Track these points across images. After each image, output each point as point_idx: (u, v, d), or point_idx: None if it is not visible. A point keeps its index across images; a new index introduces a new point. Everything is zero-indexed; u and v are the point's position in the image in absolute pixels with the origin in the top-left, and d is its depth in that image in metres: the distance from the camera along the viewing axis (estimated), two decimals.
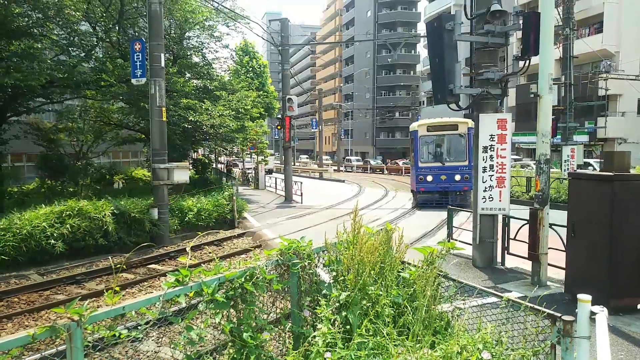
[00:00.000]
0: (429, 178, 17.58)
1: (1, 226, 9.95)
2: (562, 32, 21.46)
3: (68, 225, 10.72)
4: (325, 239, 3.76)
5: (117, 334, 2.58)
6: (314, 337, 2.93)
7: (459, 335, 3.01)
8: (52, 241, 10.29)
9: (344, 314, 3.11)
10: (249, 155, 37.80)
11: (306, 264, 3.65)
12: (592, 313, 2.73)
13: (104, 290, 8.15)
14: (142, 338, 2.75)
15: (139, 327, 2.82)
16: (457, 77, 7.71)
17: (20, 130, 16.72)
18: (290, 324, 3.62)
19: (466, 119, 16.46)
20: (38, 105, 16.99)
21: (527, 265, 7.98)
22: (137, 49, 12.87)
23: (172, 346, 2.98)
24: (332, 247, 3.72)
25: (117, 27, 17.96)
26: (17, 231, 9.98)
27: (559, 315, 2.77)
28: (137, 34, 18.93)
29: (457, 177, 17.37)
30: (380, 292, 3.19)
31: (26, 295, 8.56)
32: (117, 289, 2.71)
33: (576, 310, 2.71)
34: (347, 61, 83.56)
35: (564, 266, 6.96)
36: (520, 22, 7.75)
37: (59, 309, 2.50)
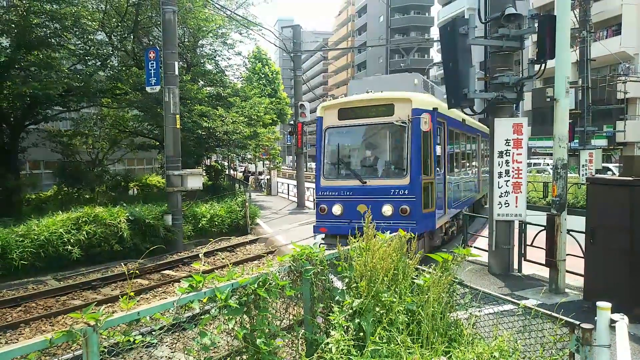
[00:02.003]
0: (337, 209, 9.13)
1: (20, 232, 10.11)
2: (579, 35, 21.18)
3: (84, 232, 10.86)
4: (338, 246, 3.75)
5: (132, 339, 2.60)
6: (327, 344, 2.91)
7: (475, 343, 2.96)
8: (69, 247, 10.42)
9: (357, 321, 3.08)
10: (257, 161, 37.94)
11: (318, 270, 3.63)
12: (612, 321, 2.67)
13: (119, 296, 8.23)
14: (156, 343, 2.76)
15: (154, 333, 2.83)
16: (472, 81, 7.64)
17: (38, 137, 17.02)
18: (303, 331, 3.60)
19: (410, 93, 9.24)
20: (56, 114, 17.29)
21: (544, 272, 7.85)
22: (152, 58, 13.05)
23: (185, 352, 2.98)
24: (344, 254, 3.70)
25: (132, 36, 18.24)
26: (35, 237, 10.14)
27: (578, 323, 2.72)
28: (151, 42, 19.19)
29: (388, 209, 8.61)
30: (394, 300, 3.16)
31: (43, 301, 8.68)
32: (132, 294, 2.73)
33: (595, 318, 2.66)
34: (360, 67, 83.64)
35: (582, 273, 6.85)
36: (536, 25, 7.66)
37: (75, 314, 2.52)
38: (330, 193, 9.30)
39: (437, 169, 9.32)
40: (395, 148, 9.44)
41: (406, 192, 8.57)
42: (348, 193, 9.09)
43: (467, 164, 13.52)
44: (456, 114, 10.98)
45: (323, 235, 9.30)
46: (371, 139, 9.73)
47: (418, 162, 8.59)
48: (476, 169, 15.15)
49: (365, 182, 8.93)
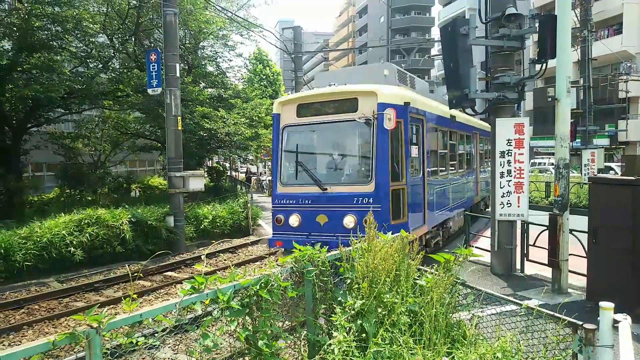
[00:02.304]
0: (294, 220, 8.10)
1: (23, 235, 10.13)
2: (580, 34, 21.15)
3: (87, 234, 10.88)
4: (340, 247, 3.75)
5: (134, 341, 2.60)
6: (330, 345, 2.91)
7: (477, 343, 2.96)
8: (72, 249, 10.44)
9: (359, 322, 3.08)
10: (259, 162, 37.91)
11: (320, 271, 3.63)
12: (615, 321, 2.67)
13: (122, 298, 8.25)
14: (159, 345, 2.76)
15: (156, 335, 2.84)
16: (473, 81, 7.64)
17: (40, 140, 17.06)
18: (305, 332, 3.60)
19: (376, 85, 7.96)
20: (58, 116, 17.34)
21: (547, 272, 7.84)
22: (153, 60, 13.08)
23: (188, 354, 2.99)
24: (346, 255, 3.70)
25: (133, 39, 18.28)
26: (38, 239, 10.16)
27: (581, 323, 2.71)
28: (152, 44, 19.23)
29: (350, 221, 7.52)
30: (396, 300, 3.16)
31: (46, 303, 8.69)
32: (135, 296, 2.74)
33: (598, 318, 2.65)
34: None
35: (585, 273, 6.83)
36: (537, 25, 7.66)
37: (78, 316, 2.53)
38: (288, 201, 8.19)
39: (413, 172, 8.20)
40: (359, 149, 8.27)
41: (370, 200, 7.42)
42: (307, 202, 7.98)
43: (459, 165, 12.16)
44: (441, 109, 10.11)
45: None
46: (333, 139, 8.50)
47: (385, 165, 7.50)
48: (473, 170, 13.92)
49: (326, 189, 7.80)
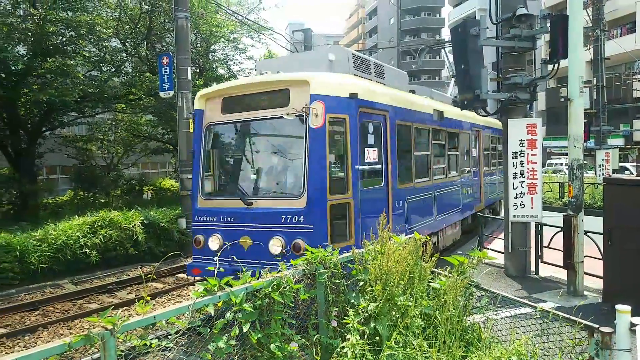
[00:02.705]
0: (214, 242, 6.66)
1: (37, 237, 10.26)
2: (593, 34, 20.92)
3: (100, 236, 10.98)
4: (353, 249, 3.74)
5: (148, 343, 2.62)
6: (343, 348, 2.90)
7: (492, 347, 2.93)
8: (87, 251, 10.56)
9: (372, 325, 3.07)
10: None
11: (332, 273, 3.63)
12: (632, 324, 2.62)
13: (135, 300, 8.31)
14: (172, 347, 2.78)
15: (169, 337, 2.85)
16: (484, 82, 7.59)
17: (54, 143, 17.31)
18: (317, 335, 3.60)
19: (310, 73, 6.47)
20: (71, 120, 17.57)
21: (562, 274, 7.74)
22: (165, 63, 13.20)
23: (200, 356, 3.00)
24: (359, 257, 3.69)
25: (145, 43, 18.47)
26: (53, 241, 10.28)
27: (597, 326, 2.67)
28: (164, 48, 19.40)
29: (277, 245, 5.99)
30: (410, 303, 3.14)
31: (61, 304, 8.79)
32: (148, 298, 2.76)
33: (615, 321, 2.61)
34: None
35: (601, 275, 6.73)
36: (548, 25, 7.59)
37: (92, 318, 2.56)
38: (209, 218, 6.70)
39: (368, 181, 6.74)
40: (288, 154, 6.71)
41: (301, 219, 5.84)
42: (229, 219, 6.46)
43: (452, 169, 10.42)
44: (419, 104, 8.64)
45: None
46: (262, 140, 7.05)
47: (319, 174, 5.90)
48: (474, 173, 12.25)
49: (251, 204, 6.29)
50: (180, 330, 2.87)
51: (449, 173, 10.17)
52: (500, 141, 14.73)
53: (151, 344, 2.63)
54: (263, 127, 6.84)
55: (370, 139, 6.85)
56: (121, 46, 17.94)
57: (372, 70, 7.94)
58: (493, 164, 14.43)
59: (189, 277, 9.46)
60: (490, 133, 13.84)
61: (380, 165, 7.04)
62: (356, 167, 6.26)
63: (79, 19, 14.31)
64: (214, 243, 6.56)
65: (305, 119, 5.98)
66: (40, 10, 13.71)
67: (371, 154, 6.83)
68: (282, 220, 5.98)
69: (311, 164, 5.93)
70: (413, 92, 9.64)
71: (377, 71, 8.10)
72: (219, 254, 6.05)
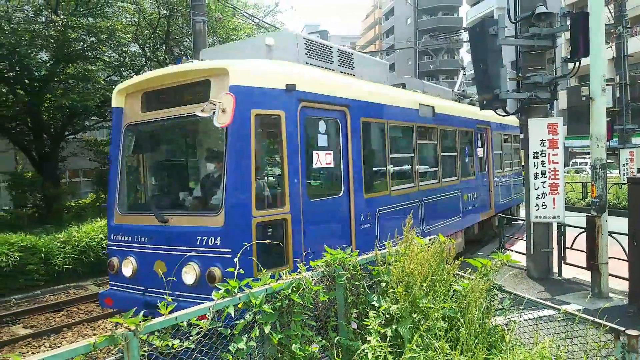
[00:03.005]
0: (127, 267, 5.42)
1: (62, 239, 10.49)
2: (615, 31, 20.48)
3: None
4: (376, 250, 3.73)
5: (170, 344, 2.65)
6: (363, 350, 2.89)
7: (515, 349, 2.89)
8: None
9: (394, 327, 3.05)
10: None
11: (351, 275, 3.62)
12: None
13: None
14: (193, 348, 2.81)
15: (190, 338, 2.89)
16: (503, 81, 7.50)
17: (77, 147, 17.66)
18: (337, 337, 3.59)
19: (231, 60, 5.19)
20: (93, 124, 17.91)
21: (586, 276, 7.61)
22: None
23: (221, 357, 3.02)
24: (381, 258, 3.68)
25: (163, 47, 18.73)
26: (76, 243, 10.49)
27: (623, 329, 2.62)
28: (182, 52, 19.64)
29: (190, 274, 4.77)
30: (432, 305, 3.11)
31: (84, 305, 8.96)
32: (170, 299, 2.80)
33: None
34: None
35: (627, 276, 6.59)
36: (568, 23, 7.47)
37: (116, 319, 2.60)
38: (124, 237, 5.54)
39: (317, 191, 5.68)
40: (210, 160, 5.60)
41: (217, 241, 4.66)
42: (143, 239, 5.32)
43: (447, 173, 9.12)
44: (393, 97, 7.39)
45: None
46: (182, 143, 6.11)
47: (242, 185, 4.71)
48: (481, 176, 10.88)
49: (167, 221, 5.12)
50: (202, 331, 2.89)
51: (444, 177, 8.85)
52: (516, 139, 13.78)
53: (173, 344, 2.67)
54: (182, 128, 5.73)
55: (322, 140, 5.71)
56: (140, 51, 18.23)
57: (335, 59, 6.76)
58: (506, 165, 12.95)
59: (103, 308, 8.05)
60: (503, 131, 12.49)
61: (339, 171, 5.87)
62: (297, 174, 5.08)
63: (99, 25, 14.60)
64: (127, 268, 5.38)
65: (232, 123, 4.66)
66: (61, 17, 14.03)
67: (323, 158, 5.67)
68: (198, 243, 4.77)
69: (229, 172, 4.72)
70: (402, 85, 8.83)
71: (343, 60, 6.92)
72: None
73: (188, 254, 4.78)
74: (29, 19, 14.15)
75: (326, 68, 6.47)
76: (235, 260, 3.74)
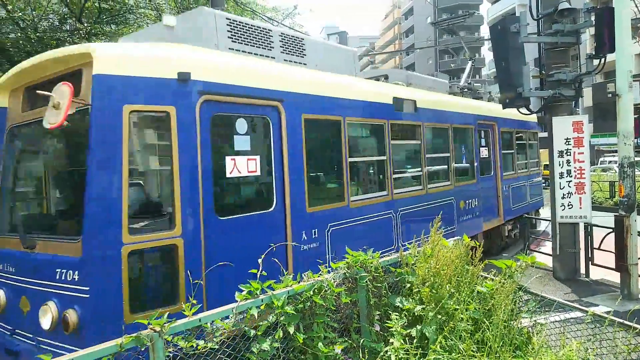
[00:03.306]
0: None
1: None
2: None
3: None
4: (401, 252, 3.71)
5: (194, 345, 2.69)
6: (386, 352, 2.88)
7: (541, 352, 2.84)
8: None
9: (418, 327, 3.03)
10: None
11: (373, 277, 3.61)
12: None
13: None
14: (217, 349, 2.84)
15: (214, 339, 2.92)
16: (526, 79, 7.40)
17: None
18: (361, 338, 3.59)
19: (100, 44, 4.63)
20: None
21: (614, 277, 7.43)
22: None
23: (245, 357, 3.05)
24: (405, 259, 3.66)
25: None
26: None
27: None
28: None
29: (46, 316, 3.67)
30: (457, 307, 3.08)
31: None
32: (194, 301, 2.83)
33: None
34: (408, 69, 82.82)
35: None
36: (592, 18, 7.31)
37: (142, 320, 2.65)
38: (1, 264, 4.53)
39: (239, 205, 4.80)
40: (70, 169, 4.72)
41: (75, 276, 3.63)
42: (11, 268, 4.35)
43: (438, 176, 8.05)
44: (353, 89, 6.18)
45: None
46: (58, 150, 4.95)
47: (110, 201, 3.66)
48: (481, 180, 9.29)
49: (33, 247, 4.09)
50: (225, 332, 2.92)
51: (431, 183, 7.58)
52: (534, 137, 12.59)
53: (197, 345, 2.70)
54: (58, 132, 4.21)
55: (242, 143, 4.65)
56: None
57: (277, 45, 5.66)
58: (521, 166, 11.51)
59: None
60: (514, 127, 10.96)
61: (270, 181, 4.81)
62: (196, 187, 4.02)
63: (122, 32, 14.91)
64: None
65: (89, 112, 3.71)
66: (85, 25, 14.38)
67: (243, 165, 4.58)
68: (57, 277, 3.73)
69: (89, 186, 3.63)
70: (385, 77, 7.78)
71: (288, 46, 5.84)
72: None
73: (48, 289, 3.80)
74: (54, 27, 14.53)
75: (263, 55, 5.41)
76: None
